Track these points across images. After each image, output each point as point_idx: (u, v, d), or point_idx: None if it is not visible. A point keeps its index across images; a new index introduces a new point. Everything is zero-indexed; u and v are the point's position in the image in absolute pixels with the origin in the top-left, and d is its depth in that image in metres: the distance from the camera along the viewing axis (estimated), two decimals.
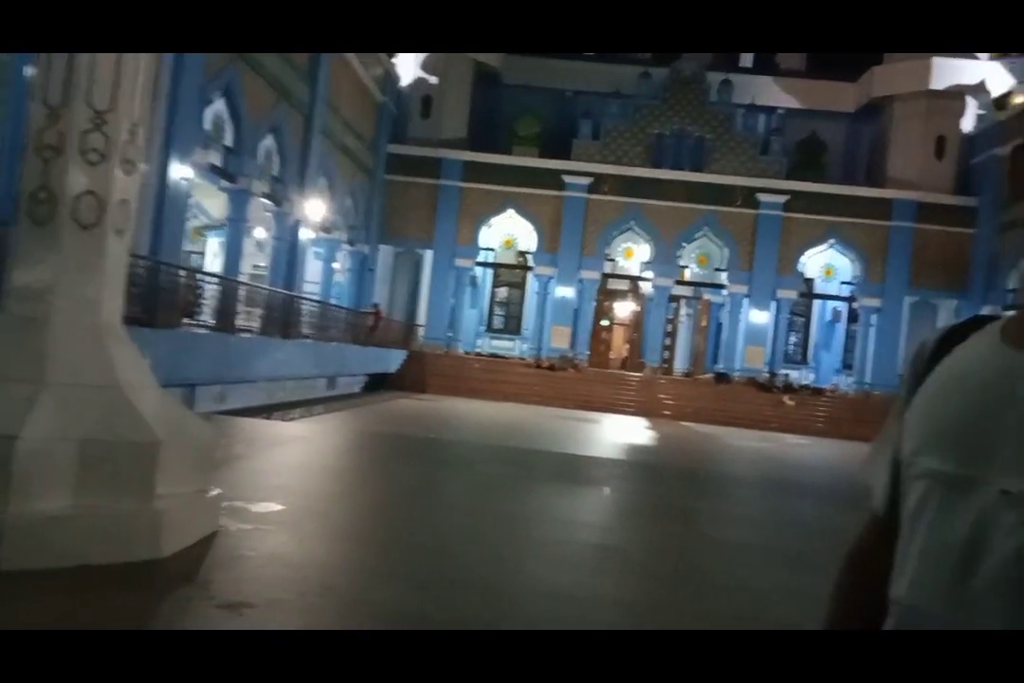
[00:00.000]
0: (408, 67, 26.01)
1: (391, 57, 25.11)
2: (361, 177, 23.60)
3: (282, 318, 15.35)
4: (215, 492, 4.54)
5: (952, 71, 25.32)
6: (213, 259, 22.22)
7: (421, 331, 25.92)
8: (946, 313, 25.61)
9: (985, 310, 23.48)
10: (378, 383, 21.69)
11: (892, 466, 0.89)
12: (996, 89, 25.73)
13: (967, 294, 24.54)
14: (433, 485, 7.62)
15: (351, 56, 20.89)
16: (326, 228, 20.39)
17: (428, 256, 26.24)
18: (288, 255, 18.55)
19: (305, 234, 19.07)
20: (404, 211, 25.56)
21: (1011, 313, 0.85)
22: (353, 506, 6.34)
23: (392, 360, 22.56)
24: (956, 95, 25.50)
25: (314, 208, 18.74)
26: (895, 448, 0.89)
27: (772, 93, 28.52)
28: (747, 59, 33.87)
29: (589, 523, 6.59)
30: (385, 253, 26.30)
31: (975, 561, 0.74)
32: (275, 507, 5.43)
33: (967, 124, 25.73)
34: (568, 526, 6.32)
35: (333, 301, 21.42)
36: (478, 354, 26.49)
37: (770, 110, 27.38)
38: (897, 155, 26.02)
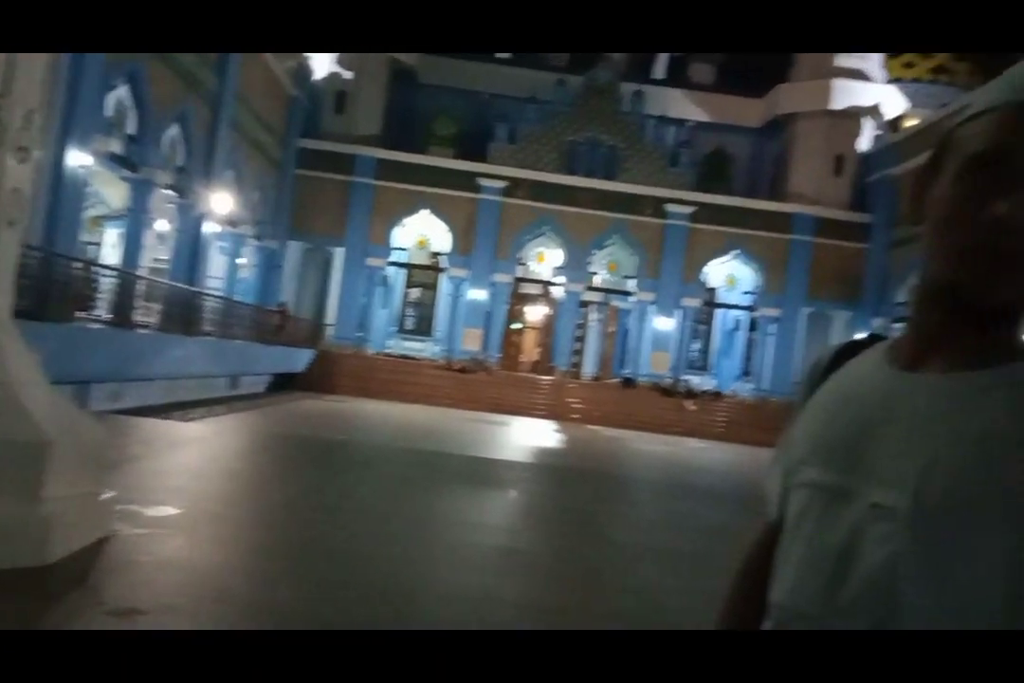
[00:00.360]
0: (322, 61, 25.56)
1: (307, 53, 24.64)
2: (271, 171, 23.05)
3: (183, 314, 14.83)
4: (108, 495, 4.37)
5: (851, 92, 26.63)
6: (111, 251, 21.30)
7: (330, 330, 25.48)
8: (840, 324, 26.89)
9: (876, 322, 24.80)
10: (284, 383, 21.21)
11: (784, 474, 0.92)
12: (890, 112, 27.22)
13: (860, 306, 25.83)
14: (338, 488, 7.51)
15: None
16: (232, 222, 19.83)
17: (339, 254, 25.81)
18: (191, 249, 17.94)
19: (210, 228, 18.48)
20: (315, 207, 25.08)
21: (897, 335, 0.89)
22: (254, 509, 6.20)
23: (299, 360, 22.10)
24: (854, 116, 26.82)
25: (220, 201, 18.18)
26: (787, 456, 0.91)
27: (682, 106, 29.34)
28: (659, 71, 34.78)
29: (495, 526, 6.64)
30: (294, 249, 25.75)
31: (848, 569, 0.77)
32: (171, 511, 5.25)
33: (863, 144, 27.10)
34: (474, 529, 6.34)
35: (238, 297, 20.82)
36: (388, 355, 26.22)
37: (680, 122, 28.15)
38: (798, 171, 27.18)
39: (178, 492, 6.04)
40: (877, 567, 0.75)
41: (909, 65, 35.89)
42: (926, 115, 27.51)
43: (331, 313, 25.83)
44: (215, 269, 20.71)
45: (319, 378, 22.01)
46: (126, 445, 7.54)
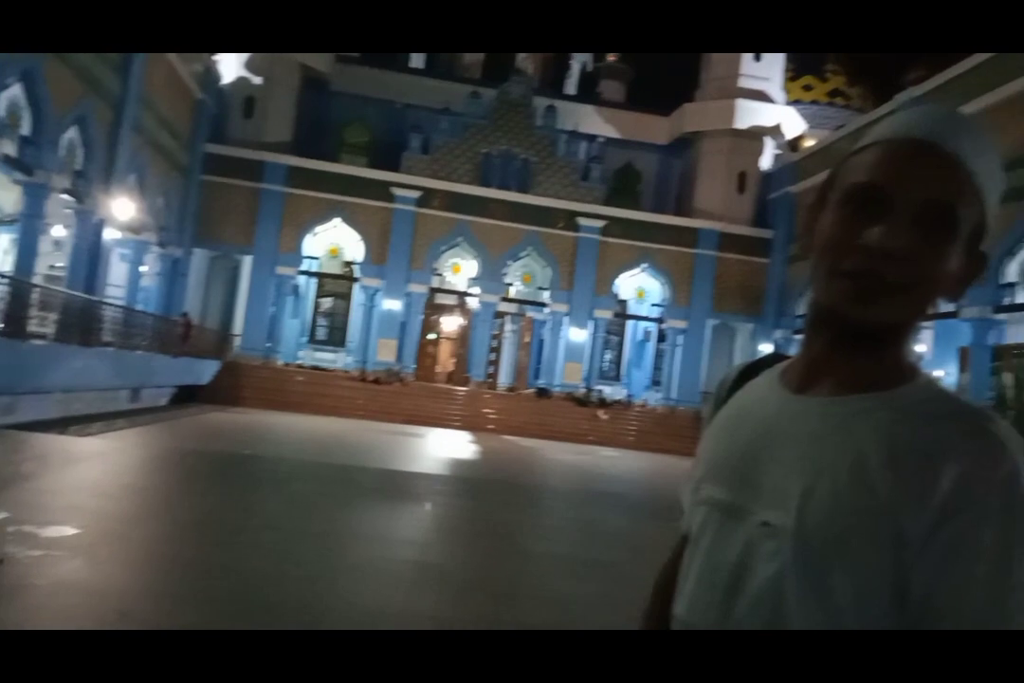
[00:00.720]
0: (230, 65, 25.01)
1: (212, 53, 24.05)
2: (176, 176, 22.33)
3: (81, 324, 14.17)
4: (0, 516, 4.15)
5: (753, 113, 27.73)
6: (3, 257, 20.22)
7: (237, 341, 24.78)
8: (743, 336, 27.87)
9: (777, 334, 25.81)
10: (188, 395, 20.50)
11: (692, 490, 0.95)
12: (790, 132, 28.47)
13: (762, 319, 26.84)
14: (246, 504, 7.33)
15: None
16: (134, 229, 19.10)
17: (247, 262, 25.18)
18: (90, 256, 17.17)
19: (110, 234, 17.73)
20: (222, 214, 24.41)
21: (791, 357, 0.94)
22: (157, 528, 5.98)
23: (204, 371, 21.42)
24: (756, 135, 27.93)
25: (121, 207, 17.49)
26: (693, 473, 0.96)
27: (593, 121, 29.93)
28: (571, 86, 35.48)
29: (408, 540, 6.60)
30: (200, 257, 24.98)
31: (740, 585, 0.81)
32: (68, 531, 5.03)
33: (765, 162, 28.24)
34: (386, 543, 6.29)
35: (140, 306, 20.04)
36: (299, 366, 25.69)
37: (591, 138, 28.71)
38: (703, 187, 28.09)
39: (76, 511, 5.78)
40: (765, 582, 0.79)
41: (807, 88, 37.67)
42: (823, 136, 28.92)
43: (239, 323, 25.15)
44: (116, 277, 19.89)
45: (226, 390, 21.38)
46: (20, 462, 7.17)
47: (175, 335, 19.80)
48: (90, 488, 7.20)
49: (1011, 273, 16.78)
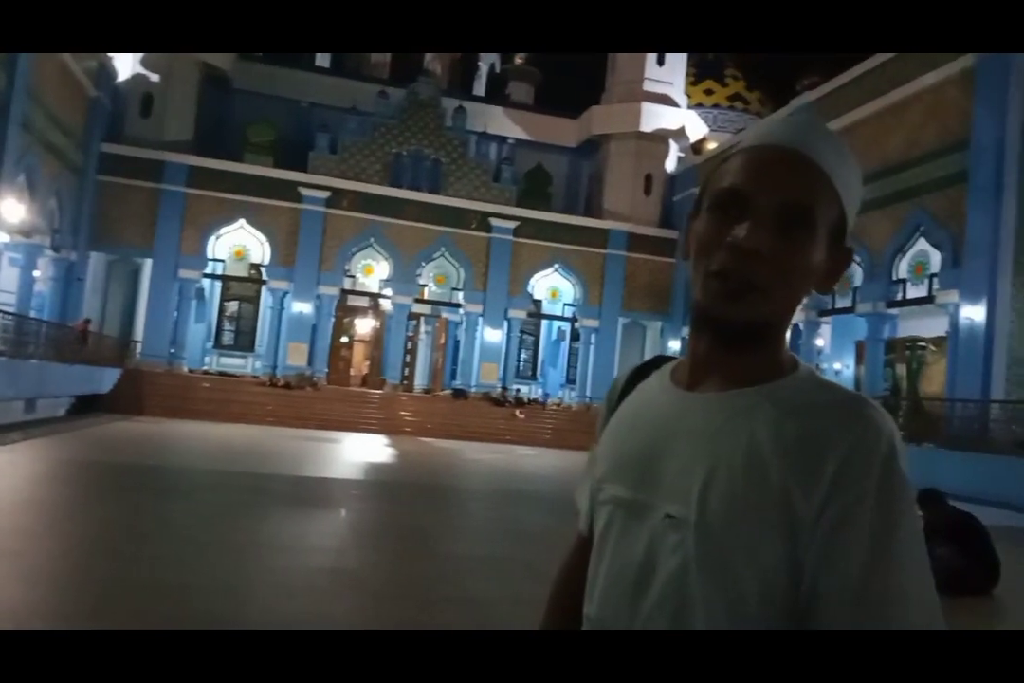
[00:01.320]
0: (126, 62, 24.01)
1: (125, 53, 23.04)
2: (69, 177, 21.29)
3: None
4: None
5: (657, 116, 28.38)
6: None
7: (139, 347, 23.81)
8: (653, 333, 28.53)
9: (684, 331, 26.51)
10: (89, 405, 19.58)
11: (591, 492, 0.98)
12: (693, 135, 29.28)
13: (670, 316, 27.53)
14: (151, 517, 7.06)
15: None
16: (24, 232, 18.12)
17: (148, 266, 24.21)
18: None
19: None
20: (121, 216, 23.40)
21: (678, 358, 0.99)
22: (55, 544, 5.70)
23: (105, 379, 20.49)
24: (661, 138, 28.60)
25: (10, 209, 16.57)
26: (592, 474, 0.98)
27: (503, 123, 30.07)
28: (480, 88, 35.55)
29: (323, 547, 6.48)
30: (97, 261, 23.90)
31: (648, 579, 0.84)
32: None
33: (670, 165, 28.96)
34: (300, 552, 6.17)
35: (33, 313, 19.02)
36: (206, 372, 24.88)
37: (501, 139, 28.83)
38: (612, 189, 28.59)
39: None
40: (671, 575, 0.82)
41: (709, 92, 38.88)
42: (724, 139, 29.89)
43: (140, 329, 24.17)
44: (6, 283, 18.84)
45: (128, 399, 20.51)
46: None
47: (71, 342, 18.88)
48: None
49: (902, 270, 17.69)
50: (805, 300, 0.89)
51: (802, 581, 0.78)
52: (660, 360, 1.02)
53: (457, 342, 28.37)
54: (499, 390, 25.86)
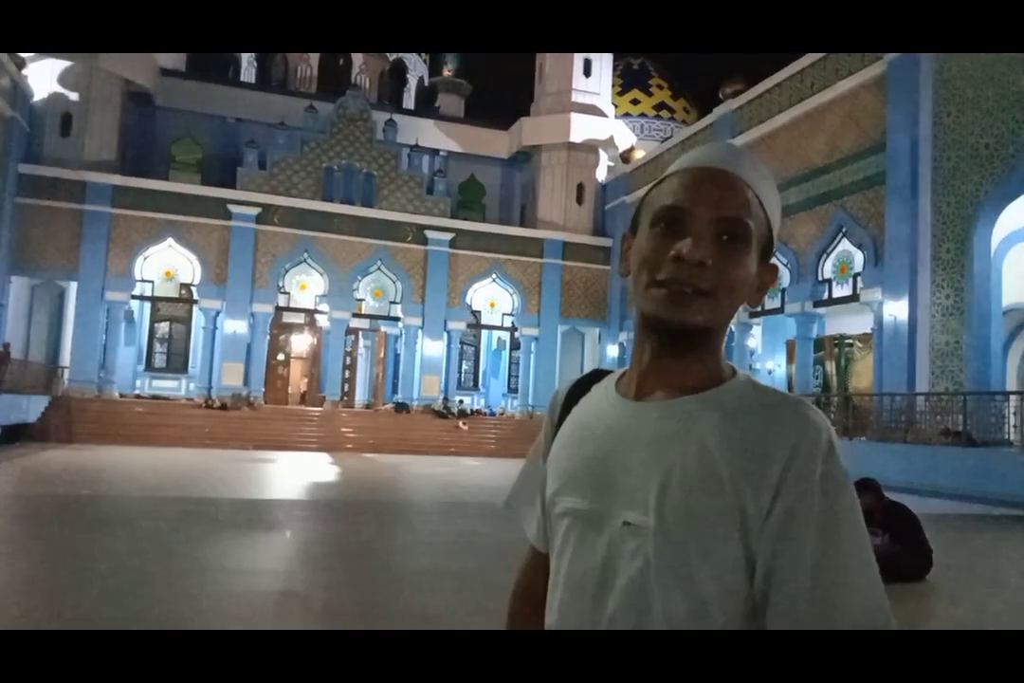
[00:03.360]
0: (43, 80, 23.29)
1: (21, 68, 22.33)
2: None
3: None
4: None
5: (587, 126, 28.77)
6: None
7: (67, 373, 23.00)
8: (591, 340, 28.81)
9: (622, 336, 26.87)
10: (15, 435, 18.83)
11: (542, 505, 1.01)
12: (622, 144, 29.77)
13: (607, 323, 27.86)
14: (87, 549, 6.82)
15: None
16: None
17: (73, 289, 23.44)
18: None
19: None
20: (42, 239, 22.61)
21: (622, 369, 1.02)
22: None
23: (31, 408, 19.74)
24: (591, 148, 29.00)
25: None
26: (542, 489, 1.00)
27: (434, 135, 30.09)
28: (409, 101, 35.53)
29: (269, 570, 6.35)
30: (19, 285, 23.03)
31: (608, 586, 0.86)
32: None
33: (601, 174, 29.38)
34: (246, 576, 6.04)
35: None
36: (138, 396, 24.15)
37: (433, 152, 28.83)
38: (545, 199, 28.84)
39: None
40: (631, 580, 0.85)
41: (635, 102, 39.58)
42: (651, 147, 30.43)
43: (67, 354, 23.35)
44: None
45: (57, 426, 19.80)
46: None
47: None
48: None
49: (828, 270, 18.27)
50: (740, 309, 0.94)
51: (755, 579, 0.82)
52: (598, 374, 1.05)
53: (397, 356, 28.18)
54: (442, 402, 25.76)
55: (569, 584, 0.91)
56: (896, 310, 15.76)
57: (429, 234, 26.34)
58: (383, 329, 28.56)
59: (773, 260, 0.95)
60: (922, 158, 15.56)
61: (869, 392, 17.14)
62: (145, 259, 24.11)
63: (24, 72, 22.55)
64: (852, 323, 18.84)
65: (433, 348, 26.45)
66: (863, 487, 6.33)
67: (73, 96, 23.67)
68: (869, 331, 17.53)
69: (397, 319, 26.84)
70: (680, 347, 0.91)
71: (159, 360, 26.66)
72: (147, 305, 26.01)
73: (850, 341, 19.84)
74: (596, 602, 0.87)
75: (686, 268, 0.86)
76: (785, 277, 19.14)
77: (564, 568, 0.92)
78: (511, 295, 27.66)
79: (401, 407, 25.46)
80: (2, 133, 21.32)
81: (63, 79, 23.57)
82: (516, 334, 28.41)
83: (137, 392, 24.64)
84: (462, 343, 28.20)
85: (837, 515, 0.81)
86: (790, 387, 19.94)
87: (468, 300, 27.19)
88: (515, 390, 29.11)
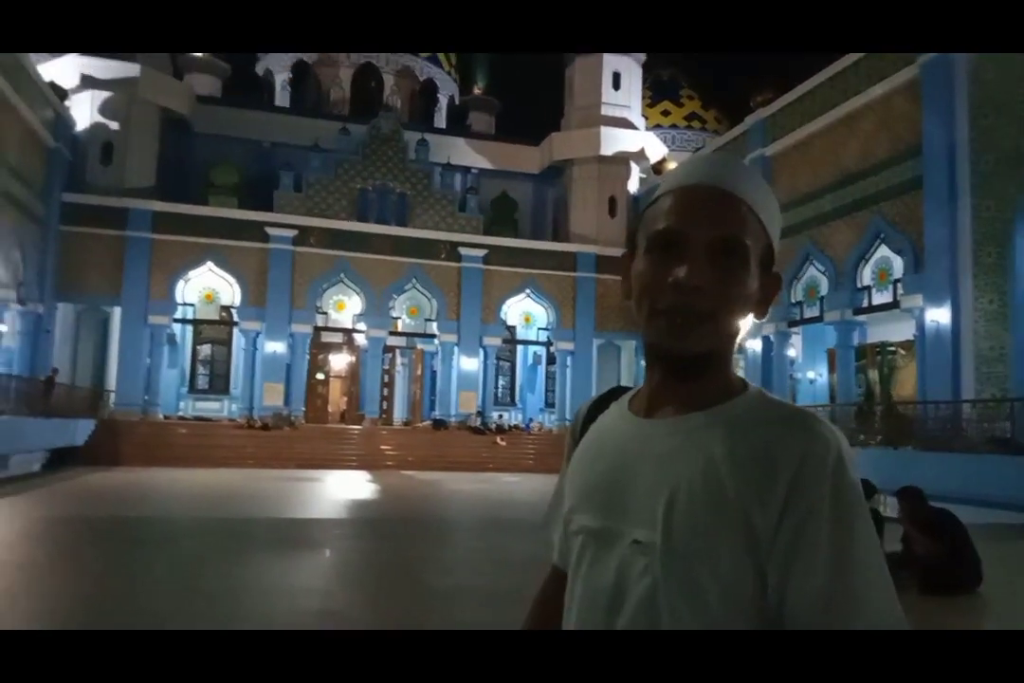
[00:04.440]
0: (84, 110, 24.02)
1: (63, 99, 23.06)
2: (32, 228, 21.12)
3: None
4: None
5: (617, 139, 28.78)
6: None
7: (112, 397, 23.49)
8: (628, 352, 28.65)
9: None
10: (64, 458, 19.25)
11: (564, 523, 1.00)
12: (653, 156, 29.73)
13: (636, 335, 27.63)
14: (132, 570, 6.94)
15: (17, 99, 18.83)
16: None
17: (117, 314, 24.01)
18: None
19: None
20: (86, 265, 23.21)
21: (633, 388, 1.02)
22: (34, 605, 5.57)
23: (79, 431, 20.17)
24: (623, 160, 28.99)
25: None
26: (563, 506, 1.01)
27: (465, 153, 30.34)
28: (440, 120, 35.91)
29: (308, 589, 6.39)
30: (65, 312, 23.64)
31: (619, 603, 0.87)
32: None
33: (632, 186, 29.33)
34: (286, 595, 6.08)
35: (2, 369, 18.73)
36: (181, 418, 24.58)
37: (465, 169, 29.07)
38: (577, 213, 28.87)
39: None
40: (641, 598, 0.85)
41: (666, 113, 39.58)
42: (683, 157, 30.33)
43: (113, 378, 23.87)
44: None
45: (104, 449, 20.19)
46: None
47: (40, 395, 18.60)
48: None
49: (867, 277, 17.98)
50: (754, 321, 0.93)
51: (766, 594, 0.81)
52: (618, 391, 1.05)
53: (434, 373, 28.31)
54: (478, 418, 25.78)
55: (583, 603, 0.91)
56: (938, 316, 15.43)
57: (462, 251, 26.50)
58: (419, 346, 28.74)
59: (775, 269, 0.94)
60: (959, 161, 15.28)
61: (913, 400, 16.77)
62: (186, 283, 24.62)
63: (66, 103, 23.28)
64: (894, 330, 18.48)
65: (469, 364, 26.53)
66: (906, 495, 6.18)
67: (113, 125, 24.35)
68: (911, 338, 17.18)
69: (433, 336, 27.00)
70: (687, 371, 0.90)
71: (202, 382, 27.13)
72: (189, 328, 26.53)
73: (892, 348, 19.45)
74: (607, 620, 0.87)
75: (685, 294, 0.86)
76: (823, 285, 18.87)
77: (578, 586, 0.92)
78: (545, 310, 27.67)
79: (439, 424, 25.54)
80: (46, 163, 21.99)
81: (103, 109, 24.28)
82: (551, 348, 28.37)
83: (181, 414, 25.08)
84: (498, 359, 28.24)
85: (849, 531, 0.80)
86: (832, 396, 19.61)
87: (503, 315, 27.26)
88: (552, 405, 29.04)
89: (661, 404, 0.93)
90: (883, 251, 17.48)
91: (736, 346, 0.94)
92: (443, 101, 36.88)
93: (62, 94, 23.02)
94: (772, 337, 20.26)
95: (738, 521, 0.81)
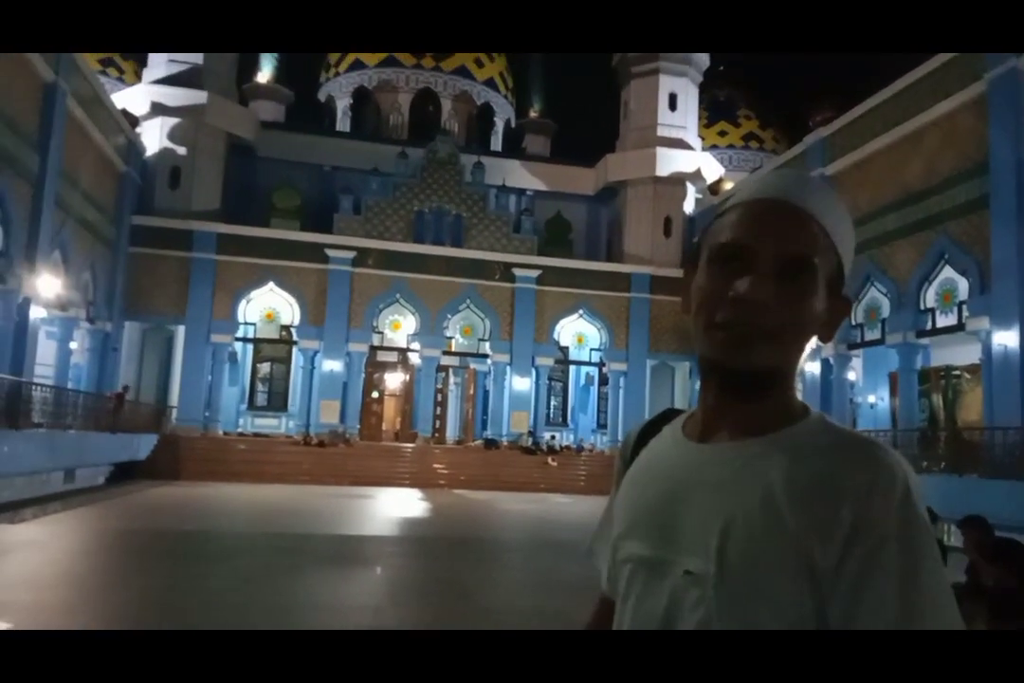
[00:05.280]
0: (153, 136, 24.98)
1: (135, 127, 24.04)
2: (102, 250, 21.97)
3: (8, 406, 13.69)
4: None
5: (673, 160, 28.71)
6: None
7: (175, 413, 24.14)
8: (682, 374, 28.33)
9: None
10: (127, 472, 19.81)
11: (612, 549, 0.97)
12: (710, 176, 29.55)
13: (697, 357, 27.29)
14: (190, 583, 7.09)
15: (92, 127, 19.70)
16: (61, 305, 18.63)
17: (181, 332, 24.74)
18: (15, 336, 16.68)
19: (36, 313, 17.29)
20: (152, 285, 24.04)
21: (686, 411, 0.99)
22: (96, 616, 5.74)
23: (142, 446, 20.76)
24: (678, 181, 28.88)
25: (46, 284, 17.09)
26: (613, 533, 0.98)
27: (520, 175, 30.60)
28: (496, 143, 36.33)
29: (360, 606, 6.45)
30: (132, 330, 24.46)
31: None
32: (0, 626, 4.79)
33: (688, 206, 29.16)
34: (338, 612, 6.14)
35: (71, 385, 19.42)
36: (240, 434, 25.11)
37: (520, 191, 29.30)
38: (631, 233, 28.80)
39: (7, 607, 5.51)
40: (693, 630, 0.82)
41: (723, 133, 39.36)
42: (741, 178, 30.11)
43: (175, 394, 24.55)
44: (44, 356, 19.29)
45: (165, 464, 20.73)
46: None
47: (108, 411, 19.22)
48: (24, 579, 6.88)
49: (930, 298, 17.50)
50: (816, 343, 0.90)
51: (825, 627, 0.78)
52: (670, 414, 1.02)
53: (486, 392, 28.39)
54: (530, 438, 25.72)
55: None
56: (1006, 339, 14.92)
57: (516, 272, 26.65)
58: (472, 366, 28.88)
59: (845, 292, 0.90)
60: None
61: (979, 426, 16.19)
62: (248, 302, 25.27)
63: (137, 130, 24.25)
64: (958, 353, 17.90)
65: (521, 384, 26.55)
66: (971, 524, 5.96)
67: (181, 150, 25.26)
68: (977, 362, 16.62)
69: (486, 356, 27.12)
70: (745, 390, 0.87)
71: (260, 399, 27.70)
72: (250, 346, 27.17)
73: (957, 372, 18.83)
74: None
75: (746, 308, 0.83)
76: (885, 306, 18.42)
77: (627, 616, 0.89)
78: (598, 330, 27.57)
79: (491, 443, 25.56)
80: (117, 188, 22.89)
81: (172, 135, 25.21)
82: (604, 369, 28.22)
83: (240, 430, 25.61)
84: (550, 379, 28.20)
85: (918, 566, 0.76)
86: (895, 421, 19.04)
87: (556, 336, 27.26)
88: (604, 426, 28.82)
89: (716, 428, 0.89)
90: (947, 272, 17.00)
91: (797, 369, 0.90)
92: (499, 124, 37.32)
93: (133, 121, 23.99)
94: (832, 360, 19.80)
95: (798, 555, 0.78)
